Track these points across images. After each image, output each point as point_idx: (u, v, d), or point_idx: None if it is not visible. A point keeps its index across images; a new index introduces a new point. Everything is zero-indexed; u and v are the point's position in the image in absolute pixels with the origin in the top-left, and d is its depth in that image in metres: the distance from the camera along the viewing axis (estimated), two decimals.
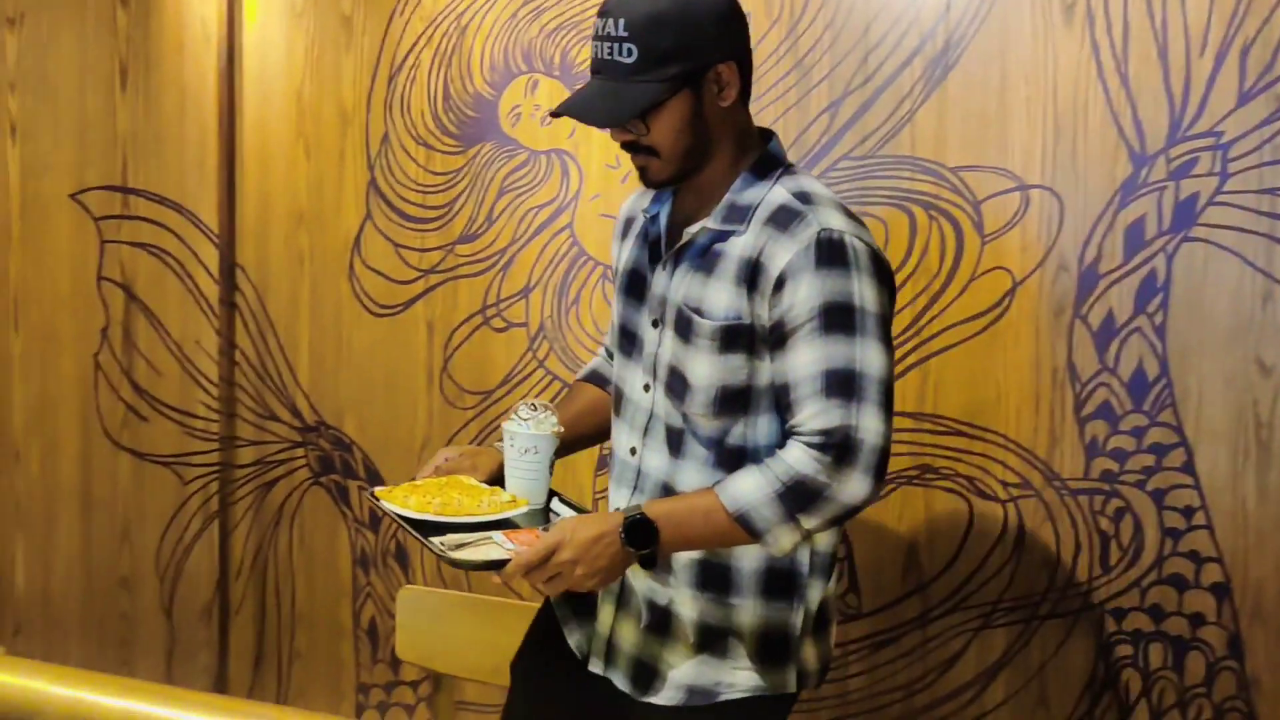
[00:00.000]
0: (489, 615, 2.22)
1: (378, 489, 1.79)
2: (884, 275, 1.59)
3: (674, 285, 1.65)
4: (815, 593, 1.68)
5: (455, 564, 1.61)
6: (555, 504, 1.82)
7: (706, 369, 1.60)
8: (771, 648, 1.66)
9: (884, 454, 1.54)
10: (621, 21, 1.55)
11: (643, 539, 1.55)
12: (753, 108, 2.35)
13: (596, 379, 1.95)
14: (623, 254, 1.80)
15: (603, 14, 1.58)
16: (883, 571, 2.37)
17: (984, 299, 2.28)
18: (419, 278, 2.71)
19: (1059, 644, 2.26)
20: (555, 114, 1.62)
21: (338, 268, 2.77)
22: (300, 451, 2.83)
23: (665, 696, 1.68)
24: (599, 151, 2.54)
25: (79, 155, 3.02)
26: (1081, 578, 2.24)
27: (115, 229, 2.99)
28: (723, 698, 1.67)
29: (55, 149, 3.04)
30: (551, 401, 1.90)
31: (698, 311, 1.61)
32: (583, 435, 1.91)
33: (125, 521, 3.03)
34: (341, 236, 2.76)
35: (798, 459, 1.53)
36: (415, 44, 2.67)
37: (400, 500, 1.73)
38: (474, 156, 2.65)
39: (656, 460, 1.69)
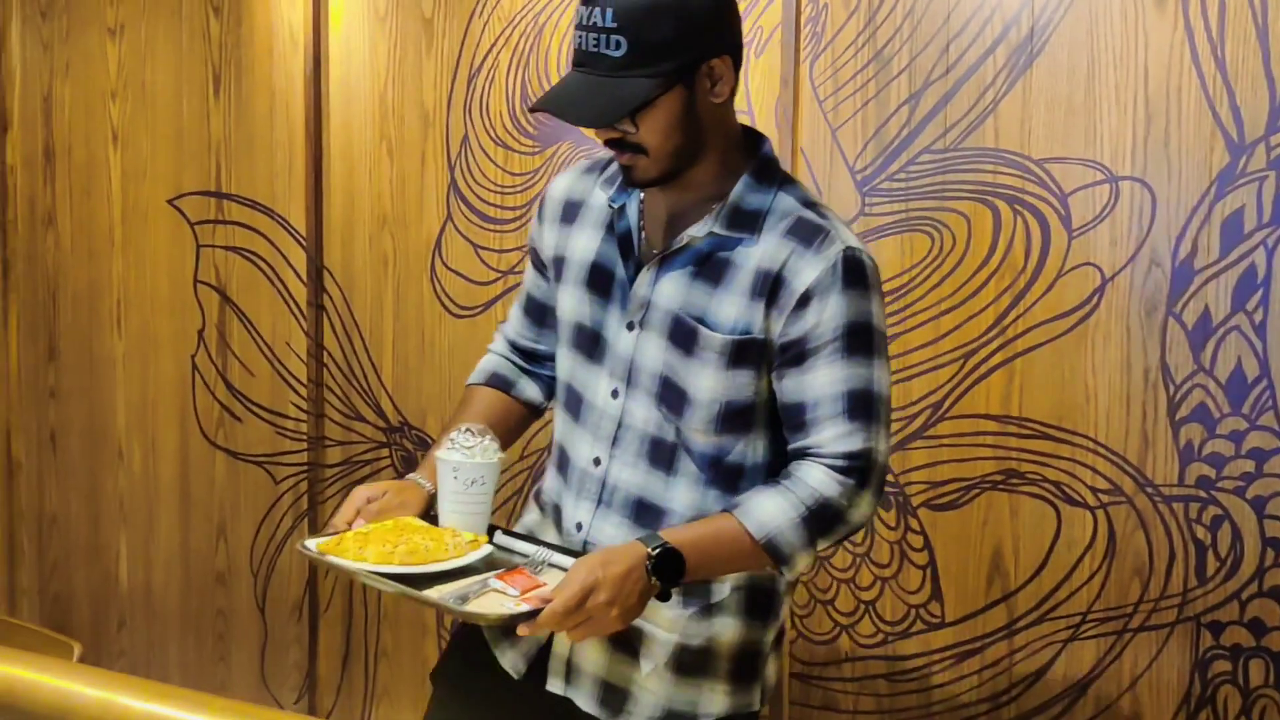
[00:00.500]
0: None
1: (317, 541, 1.59)
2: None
3: (664, 290, 1.55)
4: (785, 609, 1.68)
5: (479, 620, 1.48)
6: (500, 536, 1.67)
7: (711, 383, 1.53)
8: (745, 666, 1.63)
9: (886, 473, 1.55)
10: (610, 11, 1.43)
11: (671, 572, 1.46)
12: (830, 102, 2.32)
13: (497, 382, 1.81)
14: (573, 242, 1.66)
15: (588, 2, 1.46)
16: (966, 580, 2.29)
17: (1072, 297, 2.18)
18: (497, 279, 2.70)
19: (1152, 658, 2.15)
20: (534, 109, 1.54)
21: (420, 269, 2.79)
22: (385, 451, 2.86)
23: (641, 718, 1.62)
24: None
25: (176, 161, 3.09)
26: (1176, 589, 2.13)
27: (210, 233, 3.06)
28: (700, 718, 1.62)
29: (154, 155, 3.12)
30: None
31: (701, 321, 1.53)
32: None
33: (221, 519, 3.10)
34: (423, 238, 2.78)
35: (822, 482, 1.49)
36: (494, 45, 2.67)
37: (353, 553, 1.53)
38: (551, 157, 2.63)
39: (629, 474, 1.60)
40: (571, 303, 1.65)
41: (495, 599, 1.49)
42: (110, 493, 3.26)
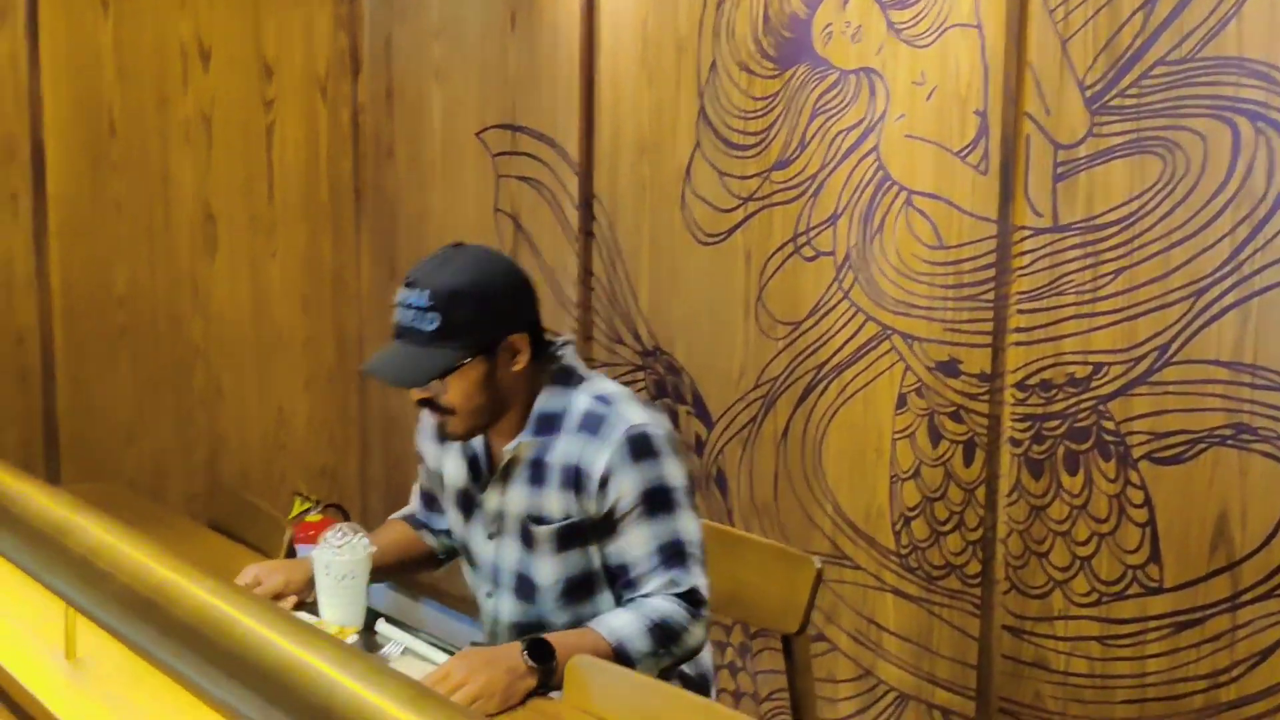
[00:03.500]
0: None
1: None
2: (677, 451, 1.79)
3: (509, 499, 1.82)
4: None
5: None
6: (382, 625, 1.81)
7: (550, 567, 1.80)
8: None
9: (706, 605, 1.77)
10: (426, 293, 1.69)
11: (542, 654, 1.63)
12: (1060, 11, 2.12)
13: (412, 521, 2.07)
14: (445, 462, 1.93)
15: (409, 284, 1.72)
16: (1189, 543, 2.05)
17: None
18: (738, 206, 2.70)
19: None
20: (362, 372, 1.84)
21: (672, 196, 2.84)
22: (640, 375, 2.96)
23: None
24: (905, 69, 2.38)
25: (481, 95, 3.33)
26: None
27: (507, 164, 3.27)
28: None
29: (465, 90, 3.38)
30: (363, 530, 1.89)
31: (537, 520, 1.79)
32: (389, 568, 1.97)
33: None
34: (675, 165, 2.83)
35: (663, 604, 1.73)
36: None
37: None
38: (789, 80, 2.58)
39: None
40: (452, 517, 1.95)
41: None
42: None
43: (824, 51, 2.51)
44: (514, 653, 1.63)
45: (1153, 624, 2.11)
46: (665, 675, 1.81)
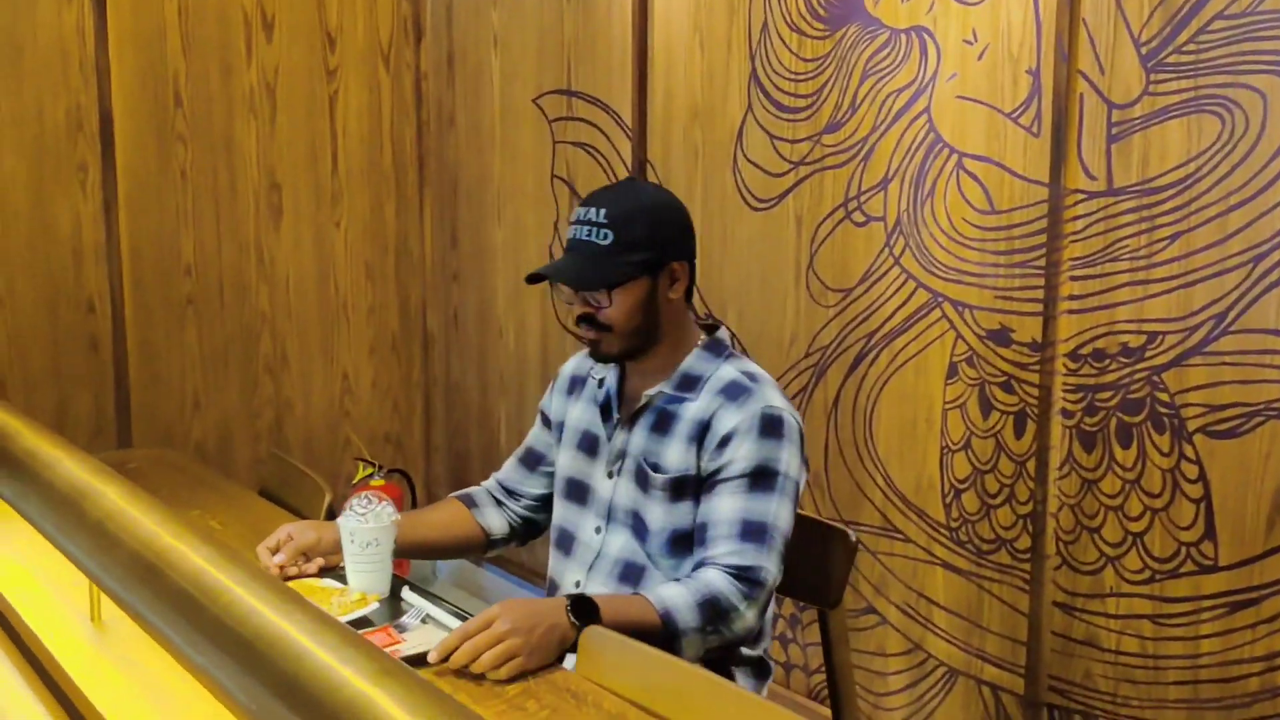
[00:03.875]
0: None
1: None
2: (802, 446, 1.82)
3: (633, 442, 1.87)
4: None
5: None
6: (406, 592, 1.79)
7: (660, 514, 1.82)
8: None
9: (770, 596, 1.77)
10: (603, 211, 1.80)
11: (586, 613, 1.62)
12: None
13: (466, 499, 2.07)
14: (570, 411, 1.99)
15: (585, 204, 1.83)
16: (1244, 520, 1.97)
17: None
18: (790, 170, 2.65)
19: None
20: (532, 278, 1.83)
21: (723, 161, 2.79)
22: None
23: None
24: (956, 27, 2.30)
25: (538, 61, 3.31)
26: None
27: (563, 129, 3.25)
28: None
29: (522, 57, 3.36)
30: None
31: (654, 467, 1.83)
32: (431, 545, 2.02)
33: None
34: (727, 129, 2.78)
35: (715, 579, 1.72)
36: None
37: None
38: (840, 40, 2.52)
39: (599, 590, 1.86)
40: (567, 461, 1.98)
41: None
42: (494, 366, 3.62)
43: (875, 10, 2.44)
44: (559, 608, 1.62)
45: (1207, 603, 2.03)
46: (723, 657, 1.80)
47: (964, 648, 2.41)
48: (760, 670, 1.91)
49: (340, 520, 1.81)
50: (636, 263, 1.79)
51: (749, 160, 2.74)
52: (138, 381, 3.44)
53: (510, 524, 2.08)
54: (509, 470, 2.11)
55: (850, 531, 1.94)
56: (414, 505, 3.84)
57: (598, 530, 1.91)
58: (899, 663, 2.54)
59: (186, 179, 3.45)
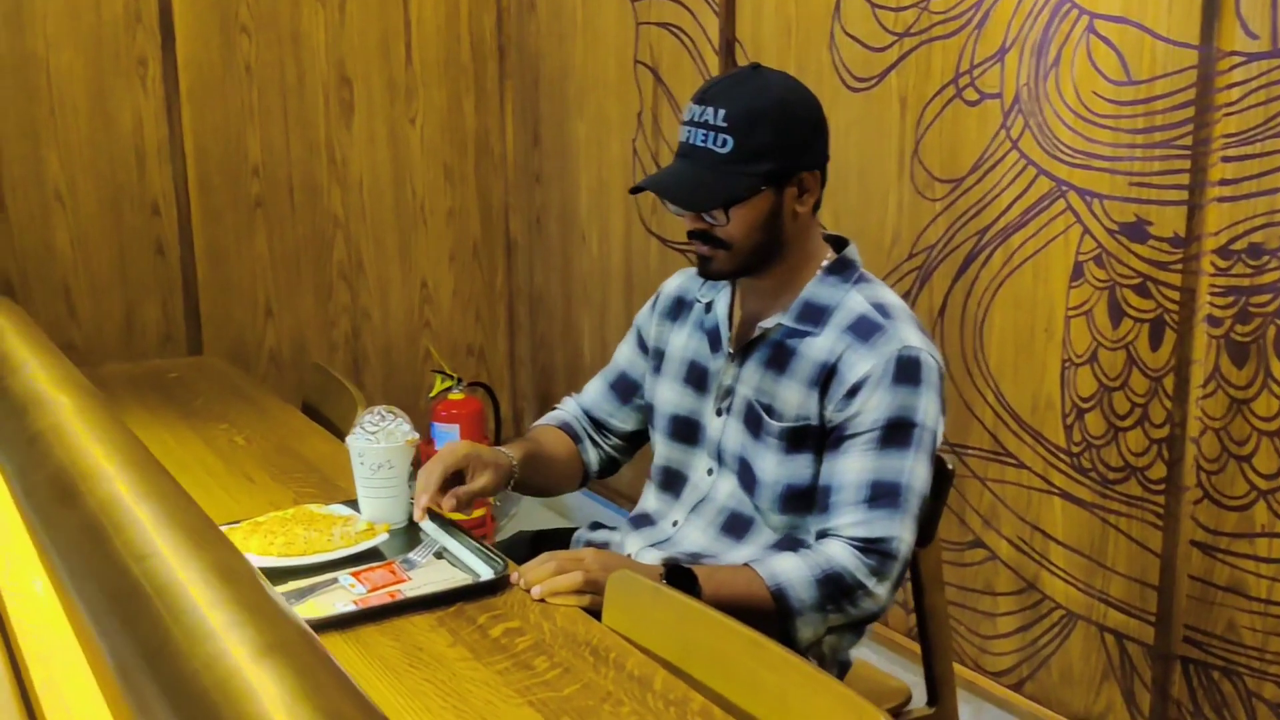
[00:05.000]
0: None
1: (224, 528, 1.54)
2: (942, 389, 1.56)
3: (744, 377, 1.61)
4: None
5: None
6: (425, 523, 1.55)
7: (773, 466, 1.56)
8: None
9: (906, 566, 1.52)
10: (721, 112, 1.50)
11: (683, 586, 1.40)
12: None
13: (567, 430, 1.83)
14: (673, 338, 1.73)
15: (700, 100, 1.53)
16: None
17: None
18: (893, 43, 2.31)
19: None
20: (636, 190, 1.57)
21: (819, 36, 2.47)
22: None
23: None
24: None
25: None
26: None
27: (646, 9, 2.95)
28: None
29: None
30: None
31: (768, 410, 1.57)
32: (545, 487, 1.81)
33: None
34: (823, 1, 2.45)
35: (840, 553, 1.48)
36: None
37: (240, 544, 1.45)
38: None
39: (697, 536, 1.64)
40: (670, 395, 1.71)
41: (330, 599, 1.35)
42: (577, 275, 3.37)
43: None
44: (653, 576, 1.42)
45: None
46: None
47: (1085, 589, 2.11)
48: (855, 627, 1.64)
49: (349, 439, 1.58)
50: (760, 174, 1.51)
51: (847, 34, 2.40)
52: (207, 287, 3.28)
53: (601, 460, 1.85)
54: (597, 397, 1.85)
55: (946, 459, 1.65)
56: (497, 421, 3.64)
57: (709, 472, 1.66)
58: (1009, 603, 2.25)
59: (251, 73, 3.25)
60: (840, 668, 1.65)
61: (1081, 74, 1.99)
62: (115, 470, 1.07)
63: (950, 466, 1.65)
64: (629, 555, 1.67)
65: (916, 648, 2.31)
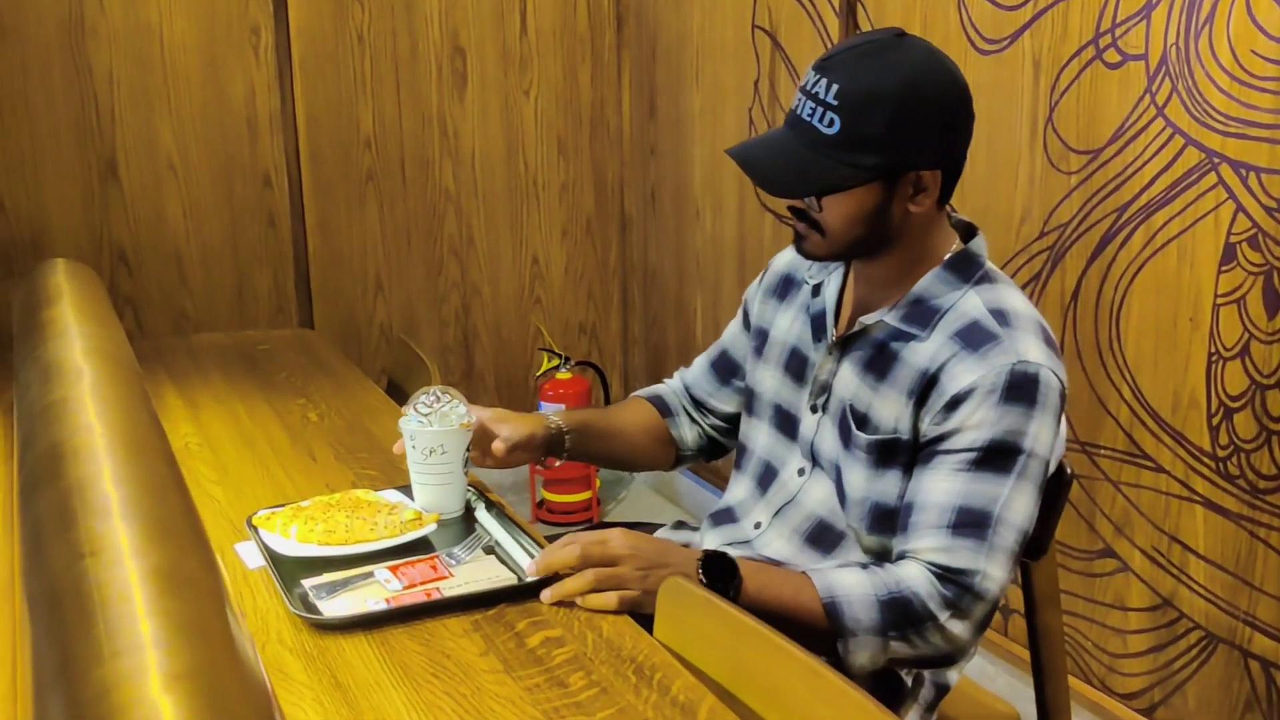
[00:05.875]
0: None
1: (258, 515, 1.43)
2: (1061, 412, 1.36)
3: (841, 377, 1.45)
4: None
5: (317, 623, 1.19)
6: (481, 514, 1.46)
7: (861, 479, 1.41)
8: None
9: (994, 609, 1.32)
10: (835, 87, 1.31)
11: (722, 576, 1.29)
12: None
13: (659, 403, 1.73)
14: (778, 319, 1.58)
15: (819, 69, 1.34)
16: None
17: None
18: (1027, 1, 2.10)
19: None
20: (730, 153, 1.40)
21: None
22: None
23: None
24: None
25: None
26: None
27: None
28: None
29: None
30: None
31: (861, 421, 1.41)
32: (617, 456, 1.70)
33: None
34: None
35: (914, 577, 1.30)
36: None
37: (281, 529, 1.37)
38: None
39: (780, 544, 1.49)
40: (772, 384, 1.57)
41: (362, 595, 1.23)
42: (690, 251, 3.23)
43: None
44: (689, 560, 1.29)
45: None
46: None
47: (1228, 609, 1.89)
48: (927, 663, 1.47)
49: (401, 422, 1.47)
50: (864, 167, 1.31)
51: None
52: (318, 260, 3.24)
53: (699, 440, 1.73)
54: (699, 376, 1.73)
55: (1070, 461, 1.47)
56: (605, 400, 3.53)
57: (801, 472, 1.51)
58: (1142, 620, 2.04)
59: (364, 43, 3.19)
60: (937, 689, 1.48)
61: (1239, 31, 1.76)
62: (105, 449, 0.97)
63: (1070, 471, 1.46)
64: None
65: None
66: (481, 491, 1.51)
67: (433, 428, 1.44)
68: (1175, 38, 1.85)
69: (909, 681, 1.45)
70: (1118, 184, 1.98)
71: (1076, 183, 2.05)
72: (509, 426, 1.53)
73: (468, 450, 1.47)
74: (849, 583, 1.30)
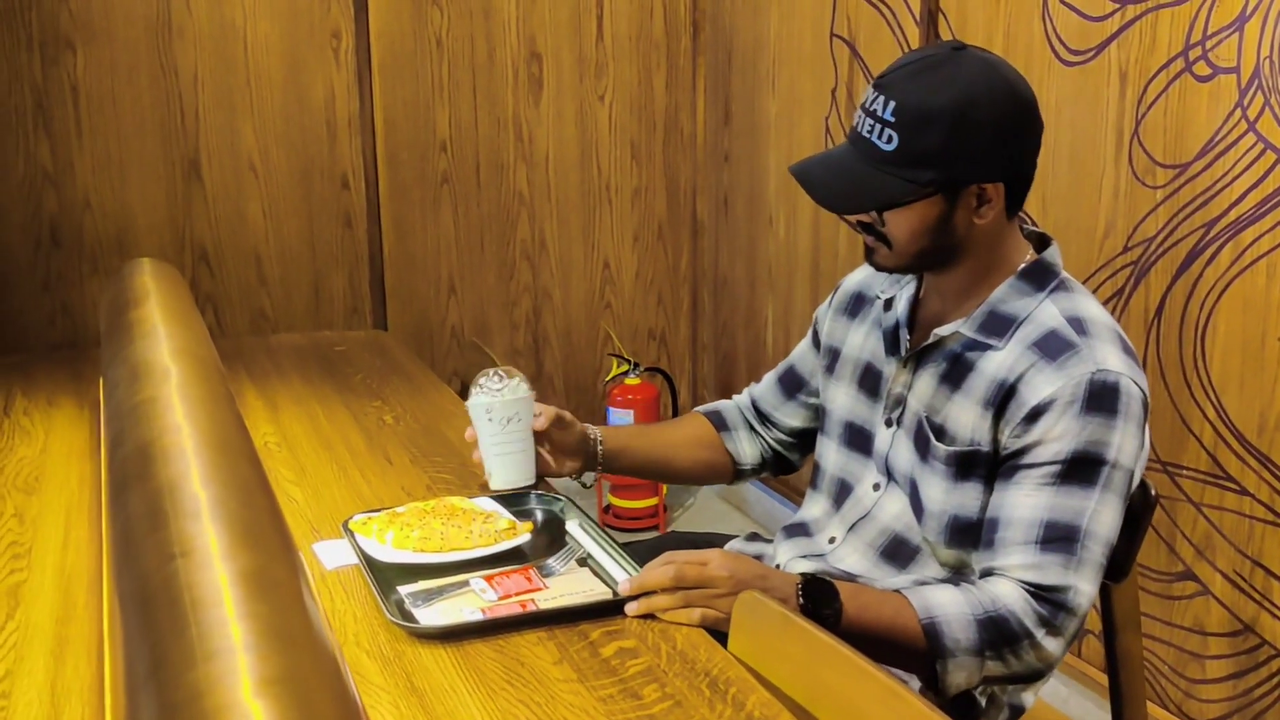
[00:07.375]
0: None
1: (354, 519, 1.43)
2: (1145, 421, 1.35)
3: (916, 389, 1.45)
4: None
5: (414, 631, 1.19)
6: (572, 526, 1.47)
7: (940, 494, 1.40)
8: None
9: (1083, 623, 1.32)
10: (892, 105, 1.33)
11: (823, 599, 1.27)
12: None
13: (716, 419, 1.73)
14: (850, 337, 1.58)
15: (877, 86, 1.36)
16: None
17: None
18: (1114, 10, 2.07)
19: None
20: (792, 170, 1.41)
21: (1032, 3, 2.23)
22: None
23: None
24: None
25: None
26: None
27: None
28: None
29: None
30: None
31: (938, 432, 1.40)
32: (667, 467, 1.71)
33: None
34: None
35: (1009, 595, 1.30)
36: None
37: (377, 534, 1.37)
38: None
39: (855, 559, 1.49)
40: (845, 400, 1.57)
41: (458, 604, 1.23)
42: (762, 259, 3.22)
43: None
44: (788, 584, 1.28)
45: None
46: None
47: None
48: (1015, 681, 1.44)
49: (470, 402, 1.54)
50: (922, 182, 1.32)
51: (1063, 1, 2.17)
52: (392, 262, 3.28)
53: (762, 454, 1.73)
54: (766, 390, 1.73)
55: (1153, 481, 1.44)
56: (674, 407, 3.53)
57: (876, 487, 1.50)
58: (1222, 645, 1.99)
59: (442, 47, 3.21)
60: (1012, 711, 1.45)
61: None
62: (193, 450, 0.99)
63: (1154, 492, 1.43)
64: (778, 565, 1.52)
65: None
66: (572, 501, 1.51)
67: (507, 397, 1.51)
68: (1269, 51, 1.81)
69: (983, 702, 1.43)
70: (1205, 199, 1.94)
71: (1163, 197, 2.01)
72: (541, 421, 1.57)
73: (532, 420, 1.54)
74: (946, 601, 1.29)
